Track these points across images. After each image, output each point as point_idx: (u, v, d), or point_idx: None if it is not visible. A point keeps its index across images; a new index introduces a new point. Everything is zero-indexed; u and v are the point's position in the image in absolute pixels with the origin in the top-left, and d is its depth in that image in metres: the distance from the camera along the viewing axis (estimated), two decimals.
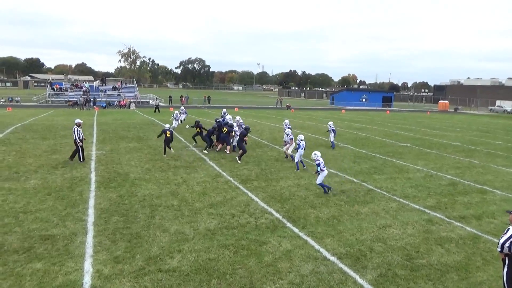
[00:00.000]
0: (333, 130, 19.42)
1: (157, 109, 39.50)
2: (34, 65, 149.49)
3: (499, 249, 5.48)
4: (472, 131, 31.99)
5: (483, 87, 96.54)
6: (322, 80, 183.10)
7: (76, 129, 13.93)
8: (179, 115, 25.88)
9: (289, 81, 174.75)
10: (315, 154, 11.52)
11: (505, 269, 5.51)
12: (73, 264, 6.43)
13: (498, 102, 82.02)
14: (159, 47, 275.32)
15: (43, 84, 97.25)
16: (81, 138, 13.97)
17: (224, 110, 23.40)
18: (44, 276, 6.01)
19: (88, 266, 6.39)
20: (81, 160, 14.01)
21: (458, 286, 6.30)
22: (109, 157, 15.11)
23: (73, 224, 8.17)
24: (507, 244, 5.39)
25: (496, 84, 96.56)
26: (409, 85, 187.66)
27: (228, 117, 20.19)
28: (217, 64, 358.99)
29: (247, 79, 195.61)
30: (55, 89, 51.35)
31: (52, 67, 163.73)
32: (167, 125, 16.45)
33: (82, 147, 14.08)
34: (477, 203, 10.97)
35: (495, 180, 13.81)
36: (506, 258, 5.50)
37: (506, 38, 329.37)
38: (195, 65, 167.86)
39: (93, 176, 12.10)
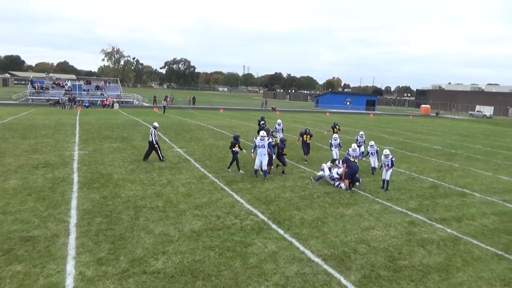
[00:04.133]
0: (376, 152, 14.74)
1: (164, 110, 38.88)
2: (14, 63, 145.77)
3: None
4: (453, 135, 32.71)
5: (463, 92, 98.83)
6: (307, 82, 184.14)
7: (153, 131, 14.63)
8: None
9: (274, 83, 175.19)
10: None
11: None
12: (55, 266, 6.31)
13: (477, 107, 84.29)
14: (144, 46, 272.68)
15: (23, 82, 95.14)
16: (156, 140, 14.71)
17: (279, 121, 19.98)
18: (24, 279, 5.87)
19: (70, 268, 6.28)
20: (162, 159, 14.84)
21: (439, 287, 6.43)
22: (92, 157, 14.88)
23: (55, 225, 8.01)
24: None
25: (476, 90, 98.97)
26: (392, 89, 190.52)
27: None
28: (203, 65, 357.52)
29: (233, 81, 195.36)
30: (36, 87, 50.33)
31: (33, 65, 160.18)
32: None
33: (159, 147, 14.92)
34: (457, 205, 11.23)
35: (474, 183, 14.15)
36: None
37: (487, 45, 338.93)
38: (180, 65, 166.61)
39: (75, 177, 11.90)
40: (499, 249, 8.21)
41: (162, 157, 14.95)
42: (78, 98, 46.67)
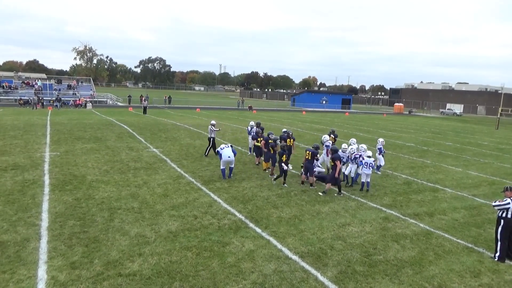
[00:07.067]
0: (379, 149, 14.90)
1: (144, 111, 37.79)
2: None
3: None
4: (425, 133, 33.63)
5: (434, 91, 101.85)
6: (284, 81, 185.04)
7: (211, 128, 16.22)
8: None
9: (251, 82, 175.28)
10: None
11: (499, 229, 7.57)
12: (25, 271, 6.10)
13: (448, 105, 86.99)
14: (118, 45, 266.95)
15: None
16: (214, 136, 16.32)
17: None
18: None
19: (42, 273, 6.08)
20: (206, 154, 16.26)
21: (412, 280, 6.60)
22: (64, 158, 14.47)
23: (25, 229, 7.75)
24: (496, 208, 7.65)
25: (446, 88, 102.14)
26: (366, 88, 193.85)
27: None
28: (179, 64, 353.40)
29: (209, 80, 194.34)
30: (5, 86, 48.49)
31: (0, 64, 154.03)
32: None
33: (215, 143, 16.21)
34: (429, 201, 11.55)
35: (445, 179, 14.60)
36: (502, 220, 7.53)
37: (455, 45, 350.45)
38: (155, 64, 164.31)
39: (46, 179, 11.54)
40: (469, 242, 8.51)
41: (207, 154, 16.19)
42: (48, 98, 45.07)
